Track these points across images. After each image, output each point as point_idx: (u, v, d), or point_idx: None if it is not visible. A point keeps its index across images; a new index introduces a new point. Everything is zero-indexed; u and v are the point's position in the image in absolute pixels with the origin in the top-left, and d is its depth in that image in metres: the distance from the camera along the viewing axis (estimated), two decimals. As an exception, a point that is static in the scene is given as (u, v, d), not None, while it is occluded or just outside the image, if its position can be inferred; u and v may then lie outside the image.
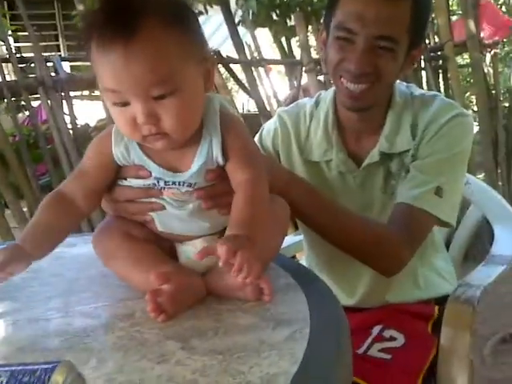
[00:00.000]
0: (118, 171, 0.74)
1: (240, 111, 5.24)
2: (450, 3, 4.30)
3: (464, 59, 5.24)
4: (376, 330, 1.06)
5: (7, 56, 2.59)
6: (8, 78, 2.58)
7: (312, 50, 3.52)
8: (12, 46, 2.93)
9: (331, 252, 1.04)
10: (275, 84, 3.53)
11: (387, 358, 0.98)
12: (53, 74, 2.57)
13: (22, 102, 2.81)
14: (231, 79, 3.71)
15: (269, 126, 1.22)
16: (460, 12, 4.46)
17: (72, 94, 2.70)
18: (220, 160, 0.72)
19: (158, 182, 0.72)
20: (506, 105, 4.07)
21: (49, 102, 2.49)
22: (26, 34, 2.66)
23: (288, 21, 4.04)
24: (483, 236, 2.24)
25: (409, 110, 1.09)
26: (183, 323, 0.64)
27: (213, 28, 6.35)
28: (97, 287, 0.78)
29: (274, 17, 3.96)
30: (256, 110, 3.44)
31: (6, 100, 2.54)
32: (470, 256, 1.66)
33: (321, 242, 1.02)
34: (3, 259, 0.64)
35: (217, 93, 2.88)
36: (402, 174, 1.07)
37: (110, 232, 0.76)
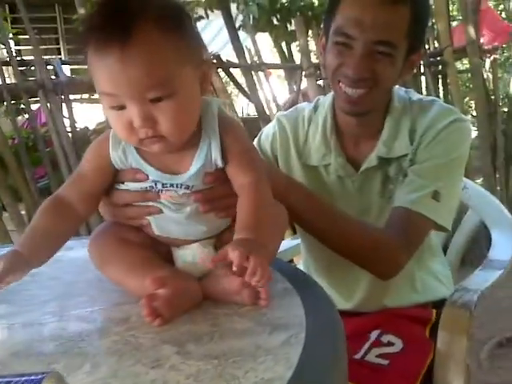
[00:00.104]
0: (115, 175, 0.74)
1: (240, 115, 5.25)
2: (451, 9, 4.31)
3: (463, 64, 5.27)
4: (374, 334, 1.06)
5: (8, 59, 2.59)
6: (8, 81, 2.59)
7: (312, 54, 3.53)
8: (13, 49, 2.94)
9: (329, 256, 1.04)
10: (275, 88, 3.54)
11: (385, 364, 0.98)
12: (53, 77, 2.57)
13: (22, 105, 2.81)
14: (231, 83, 3.72)
15: (267, 130, 1.22)
16: (460, 17, 4.47)
17: (71, 97, 2.71)
18: (219, 162, 0.72)
19: (156, 184, 0.72)
20: (505, 110, 4.09)
21: (48, 105, 2.49)
22: (27, 37, 2.66)
23: (288, 25, 4.06)
24: (481, 241, 2.24)
25: (407, 115, 1.09)
26: (179, 328, 0.64)
27: (213, 32, 6.37)
28: (94, 291, 0.78)
29: (275, 21, 3.98)
30: (255, 114, 3.44)
31: (5, 103, 2.55)
32: (468, 260, 1.66)
33: (319, 246, 1.02)
34: (3, 269, 0.63)
35: (216, 97, 2.88)
36: (399, 178, 1.07)
37: (106, 237, 0.76)
